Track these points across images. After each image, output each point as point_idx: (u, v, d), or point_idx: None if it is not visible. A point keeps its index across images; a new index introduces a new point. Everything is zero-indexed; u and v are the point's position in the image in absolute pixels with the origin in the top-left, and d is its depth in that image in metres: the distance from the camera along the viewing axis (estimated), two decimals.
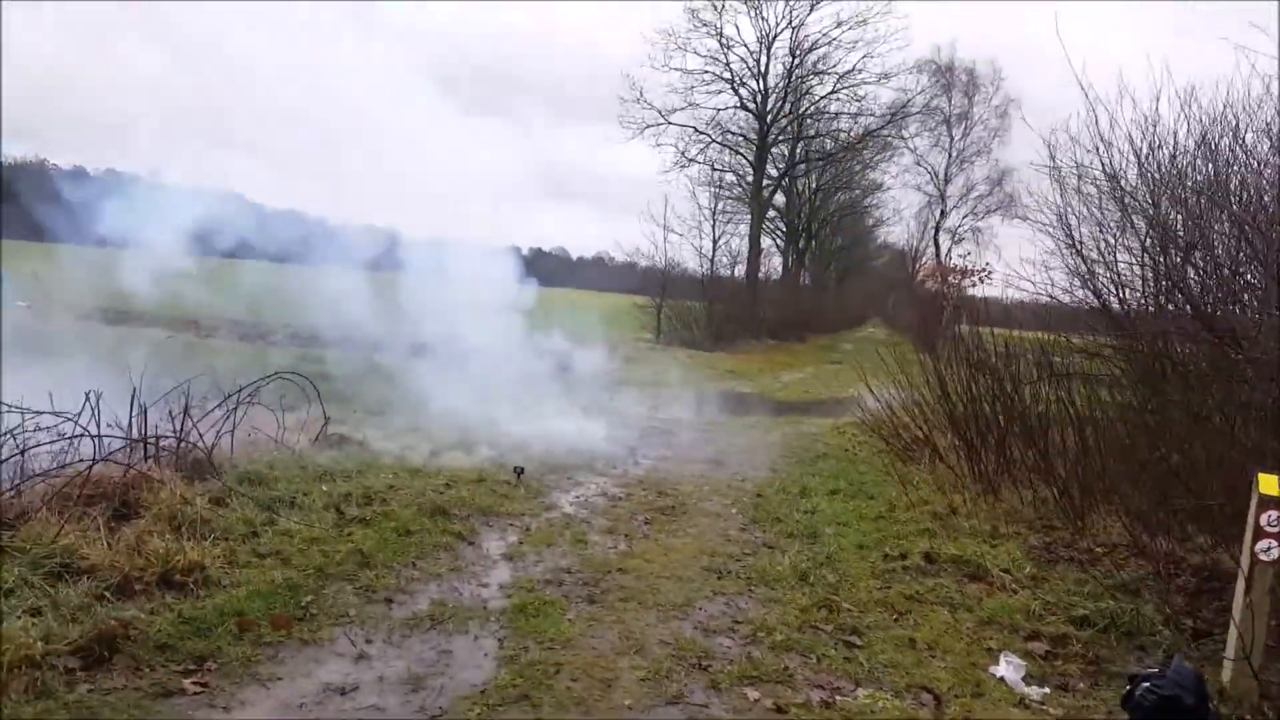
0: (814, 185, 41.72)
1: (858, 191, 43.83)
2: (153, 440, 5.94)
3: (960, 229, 45.29)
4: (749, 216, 35.29)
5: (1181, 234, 6.52)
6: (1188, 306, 6.37)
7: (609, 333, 25.07)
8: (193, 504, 5.43)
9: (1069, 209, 8.36)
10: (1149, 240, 7.15)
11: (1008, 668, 4.13)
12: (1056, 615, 4.76)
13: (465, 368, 14.66)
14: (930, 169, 44.96)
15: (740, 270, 33.87)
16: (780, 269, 41.43)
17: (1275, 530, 3.65)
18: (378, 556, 5.24)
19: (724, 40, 33.52)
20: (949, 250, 44.22)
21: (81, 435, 5.58)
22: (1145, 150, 7.33)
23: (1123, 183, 7.80)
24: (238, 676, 3.77)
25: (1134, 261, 8.00)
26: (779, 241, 41.91)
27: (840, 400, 14.63)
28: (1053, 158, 8.29)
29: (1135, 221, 7.62)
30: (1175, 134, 7.05)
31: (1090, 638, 4.52)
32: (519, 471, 7.26)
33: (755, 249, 34.84)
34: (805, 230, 42.46)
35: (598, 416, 10.98)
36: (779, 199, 39.22)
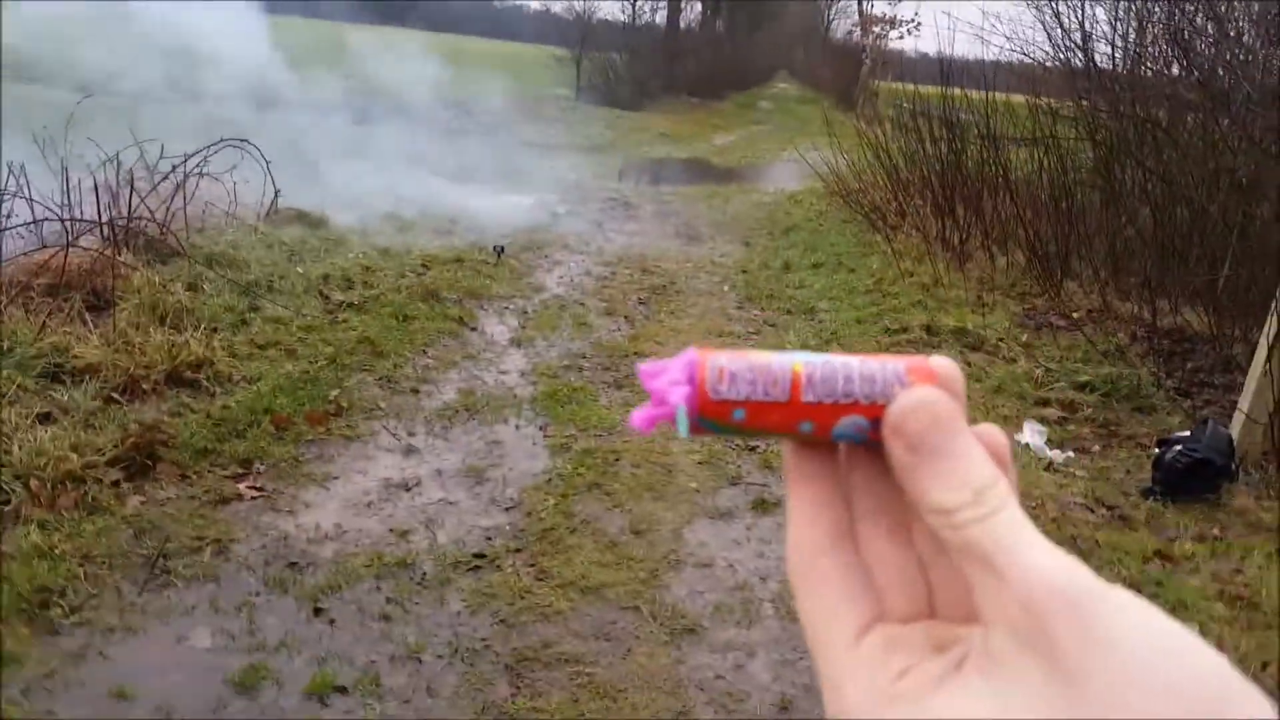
0: None
1: None
2: (120, 222, 5.35)
3: None
4: None
5: None
6: (1189, 70, 6.31)
7: (524, 90, 23.69)
8: (172, 291, 5.03)
9: None
10: None
11: (1032, 434, 4.39)
12: (1060, 381, 5.03)
13: (372, 129, 13.62)
14: None
15: (661, 18, 31.87)
16: (699, 18, 39.17)
17: None
18: (387, 345, 5.04)
19: None
20: None
21: (49, 219, 4.96)
22: None
23: None
24: (291, 478, 3.65)
25: (1114, 19, 7.82)
26: None
27: (780, 165, 14.46)
28: None
29: None
30: None
31: (1096, 402, 4.81)
32: (499, 251, 6.96)
33: None
34: None
35: (547, 187, 10.53)
36: None
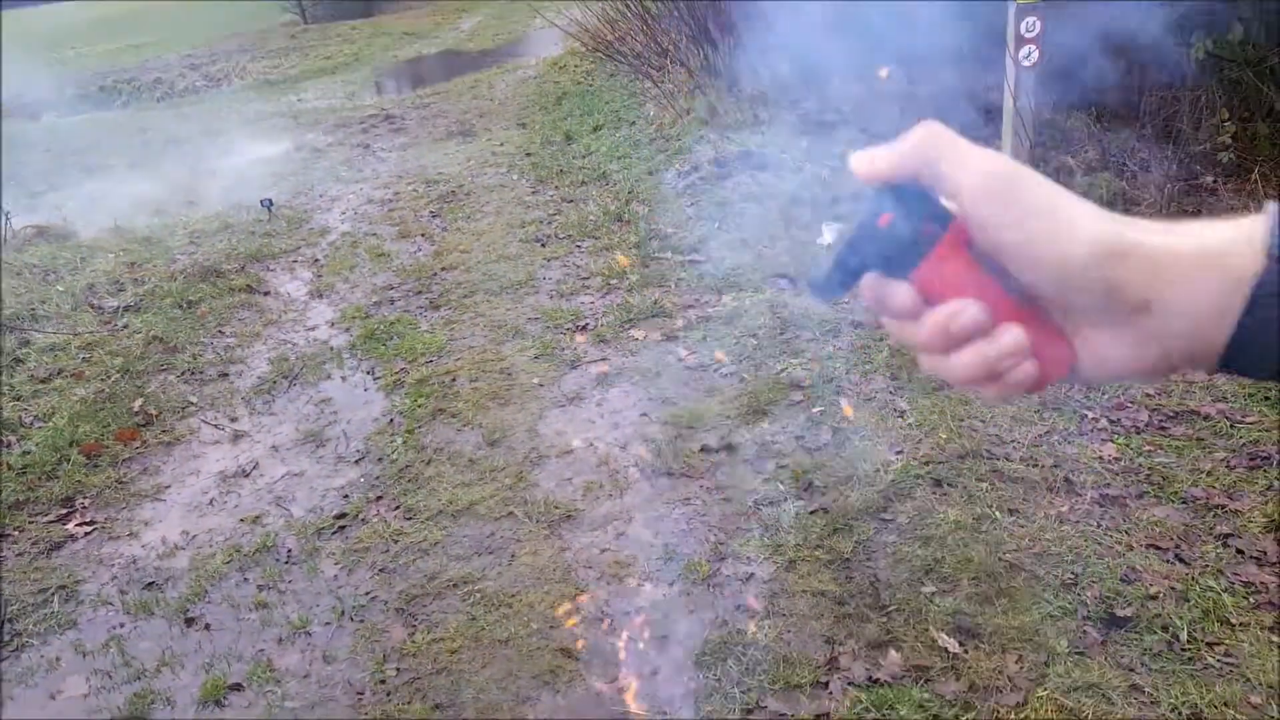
0: None
1: None
2: None
3: None
4: None
5: None
6: None
7: (245, 26, 21.68)
8: None
9: None
10: None
11: (832, 234, 4.63)
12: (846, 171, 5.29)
13: (88, 118, 12.30)
14: None
15: None
16: None
17: (1033, 36, 4.11)
18: (178, 337, 4.71)
19: None
20: None
21: None
22: None
23: None
24: (121, 502, 3.44)
25: None
26: None
27: (535, 34, 14.01)
28: None
29: None
30: None
31: None
32: (268, 204, 6.50)
33: None
34: None
35: (299, 124, 9.84)
36: None
